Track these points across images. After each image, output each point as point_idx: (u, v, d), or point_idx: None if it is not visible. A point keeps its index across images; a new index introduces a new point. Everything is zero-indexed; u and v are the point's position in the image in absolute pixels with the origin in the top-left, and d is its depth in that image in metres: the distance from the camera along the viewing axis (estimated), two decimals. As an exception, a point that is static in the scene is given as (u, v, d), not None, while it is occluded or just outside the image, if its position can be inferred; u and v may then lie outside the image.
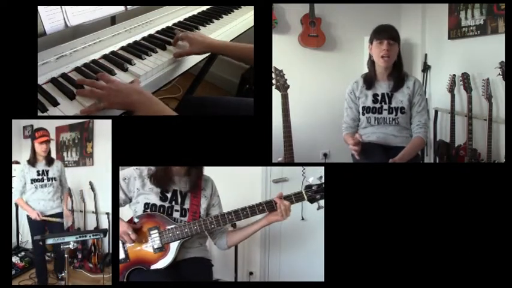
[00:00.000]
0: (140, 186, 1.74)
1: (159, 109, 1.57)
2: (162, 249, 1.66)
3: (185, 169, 1.77)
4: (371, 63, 2.18)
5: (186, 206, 1.74)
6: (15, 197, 2.64)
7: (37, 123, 3.64)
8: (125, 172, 1.78)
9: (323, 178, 1.68)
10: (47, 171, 2.67)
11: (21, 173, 2.64)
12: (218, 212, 1.76)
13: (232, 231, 1.80)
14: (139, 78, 1.75)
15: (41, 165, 2.66)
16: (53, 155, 2.81)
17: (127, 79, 1.74)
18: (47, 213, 2.67)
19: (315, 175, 1.69)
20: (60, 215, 2.74)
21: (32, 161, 2.64)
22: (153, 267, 1.66)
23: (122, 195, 1.76)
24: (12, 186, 2.56)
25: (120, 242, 1.70)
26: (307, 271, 2.24)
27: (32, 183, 2.63)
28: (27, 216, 2.68)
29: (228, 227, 1.81)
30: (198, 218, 1.71)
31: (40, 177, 2.65)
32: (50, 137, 2.66)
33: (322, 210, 1.70)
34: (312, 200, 1.67)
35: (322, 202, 1.68)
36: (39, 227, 2.64)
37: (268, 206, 1.66)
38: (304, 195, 1.66)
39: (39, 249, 2.64)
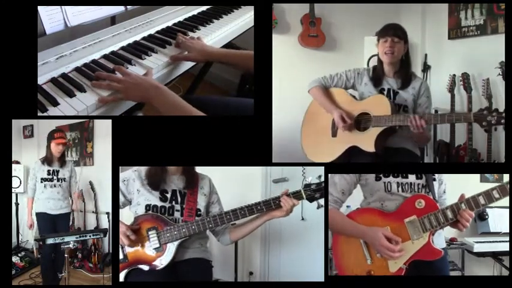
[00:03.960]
0: (140, 188, 1.74)
1: (175, 100, 1.59)
2: (160, 250, 1.65)
3: (178, 168, 1.77)
4: (378, 61, 2.16)
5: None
6: (29, 195, 2.74)
7: (37, 123, 3.66)
8: (124, 174, 1.77)
9: (322, 177, 1.67)
10: (58, 172, 2.71)
11: (32, 171, 2.71)
12: (218, 209, 1.76)
13: (235, 227, 1.79)
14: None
15: (54, 166, 2.71)
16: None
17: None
18: (54, 213, 2.70)
19: (314, 175, 1.69)
20: (67, 215, 2.79)
21: (48, 160, 2.69)
22: (151, 267, 1.65)
23: (121, 198, 1.76)
24: (28, 184, 2.76)
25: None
26: (307, 271, 2.24)
27: (41, 182, 2.68)
28: (36, 214, 2.71)
29: (229, 224, 1.79)
30: (194, 215, 1.70)
31: (50, 176, 2.70)
32: (66, 141, 2.73)
33: (322, 210, 1.70)
34: (311, 199, 1.66)
35: (321, 201, 1.67)
36: (49, 226, 2.67)
37: (267, 206, 1.66)
38: (303, 194, 1.65)
39: (48, 248, 2.63)
